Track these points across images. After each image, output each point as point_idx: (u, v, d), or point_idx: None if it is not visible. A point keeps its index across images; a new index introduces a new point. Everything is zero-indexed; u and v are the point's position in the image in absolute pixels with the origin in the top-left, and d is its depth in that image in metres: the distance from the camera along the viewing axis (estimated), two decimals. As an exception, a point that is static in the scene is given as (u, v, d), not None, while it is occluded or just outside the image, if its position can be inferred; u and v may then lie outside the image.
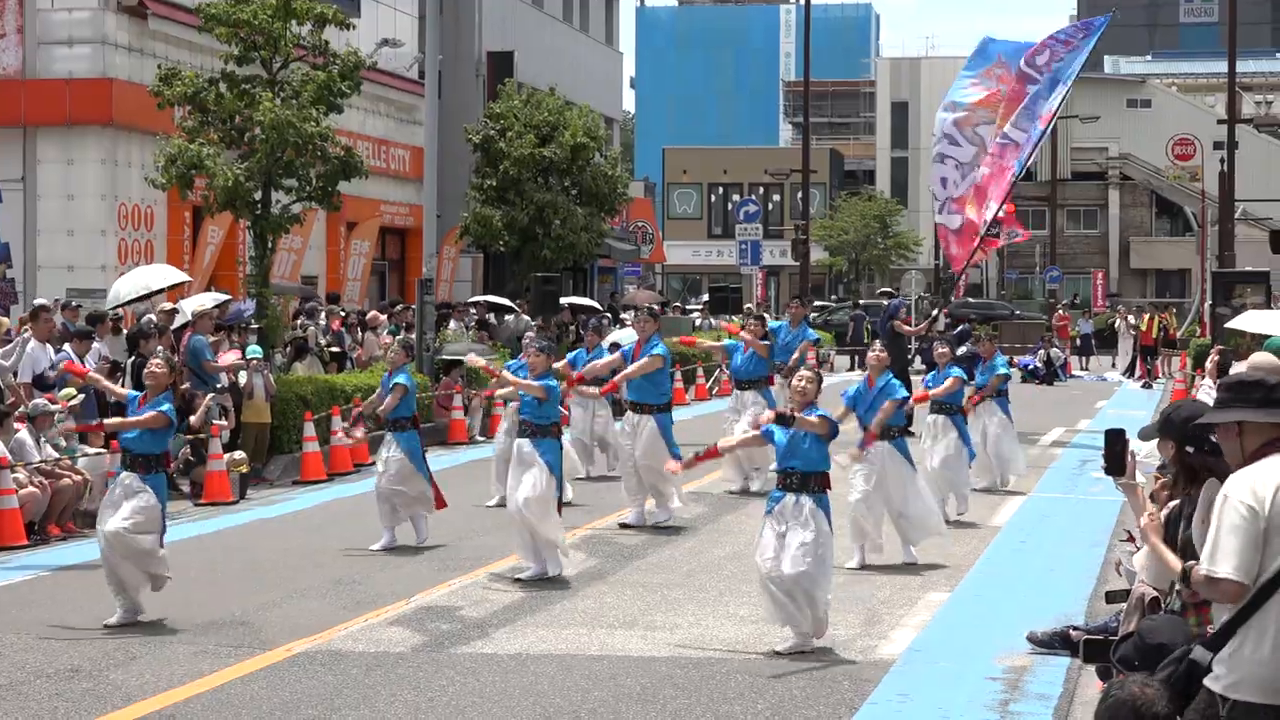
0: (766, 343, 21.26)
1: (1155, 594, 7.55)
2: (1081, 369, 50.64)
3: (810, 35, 52.89)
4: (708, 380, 37.52)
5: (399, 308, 32.39)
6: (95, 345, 20.52)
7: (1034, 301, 73.65)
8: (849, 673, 11.28)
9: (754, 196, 67.21)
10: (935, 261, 74.12)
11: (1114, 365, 51.34)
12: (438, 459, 24.33)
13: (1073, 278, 77.62)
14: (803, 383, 12.13)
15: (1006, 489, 20.86)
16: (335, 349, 27.75)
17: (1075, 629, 11.57)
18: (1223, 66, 47.33)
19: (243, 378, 22.22)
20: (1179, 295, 78.28)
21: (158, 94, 24.91)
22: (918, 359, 35.17)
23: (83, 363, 20.00)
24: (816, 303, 57.83)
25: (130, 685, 10.91)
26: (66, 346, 20.34)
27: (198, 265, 30.47)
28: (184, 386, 20.83)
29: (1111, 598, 9.66)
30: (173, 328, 22.16)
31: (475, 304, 35.41)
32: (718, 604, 13.62)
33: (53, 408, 18.59)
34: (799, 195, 61.30)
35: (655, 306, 22.01)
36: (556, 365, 17.79)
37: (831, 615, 12.73)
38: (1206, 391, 18.07)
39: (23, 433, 17.87)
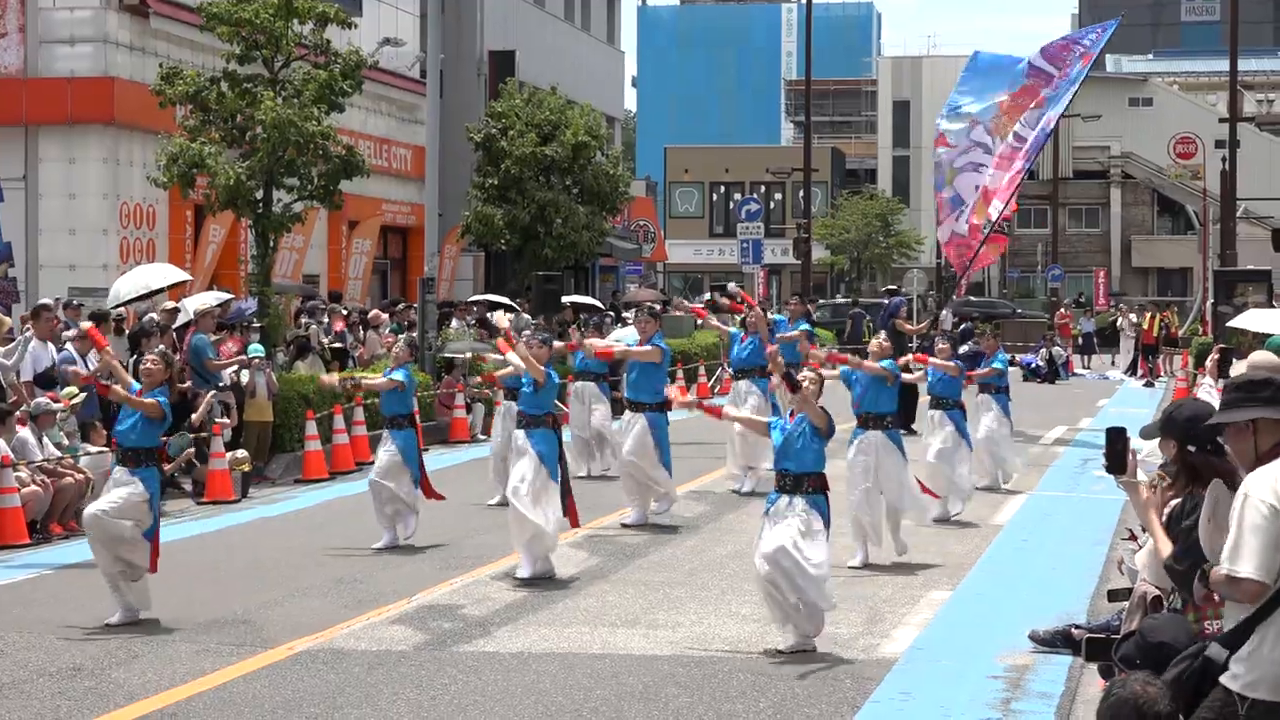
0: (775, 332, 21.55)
1: (1157, 592, 7.56)
2: (1083, 368, 50.64)
3: (812, 34, 52.88)
4: (709, 379, 37.50)
5: (401, 306, 32.40)
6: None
7: (1036, 300, 73.69)
8: (851, 671, 11.29)
9: (755, 195, 67.15)
10: (937, 260, 74.14)
11: (1113, 364, 51.37)
12: (439, 457, 24.38)
13: (1074, 276, 77.61)
14: (805, 384, 12.13)
15: (1006, 488, 20.85)
16: (337, 345, 27.76)
17: (1077, 627, 11.57)
18: (1224, 65, 47.32)
19: (244, 376, 22.22)
20: (1180, 294, 78.32)
21: (159, 93, 24.93)
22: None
23: (85, 362, 20.04)
24: (821, 301, 57.75)
25: (132, 684, 10.91)
26: (69, 345, 20.36)
27: (199, 264, 30.47)
28: (186, 385, 20.85)
29: (1113, 596, 9.66)
30: (174, 326, 22.17)
31: (475, 303, 35.40)
32: (720, 602, 13.62)
33: (55, 406, 18.61)
34: (800, 194, 61.29)
35: (656, 305, 22.03)
36: (558, 344, 17.84)
37: (833, 614, 12.73)
38: (1207, 390, 18.08)
39: (25, 431, 17.89)
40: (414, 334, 28.52)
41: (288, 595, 14.06)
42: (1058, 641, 11.69)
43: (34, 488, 17.39)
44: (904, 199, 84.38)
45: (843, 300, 63.38)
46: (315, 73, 25.12)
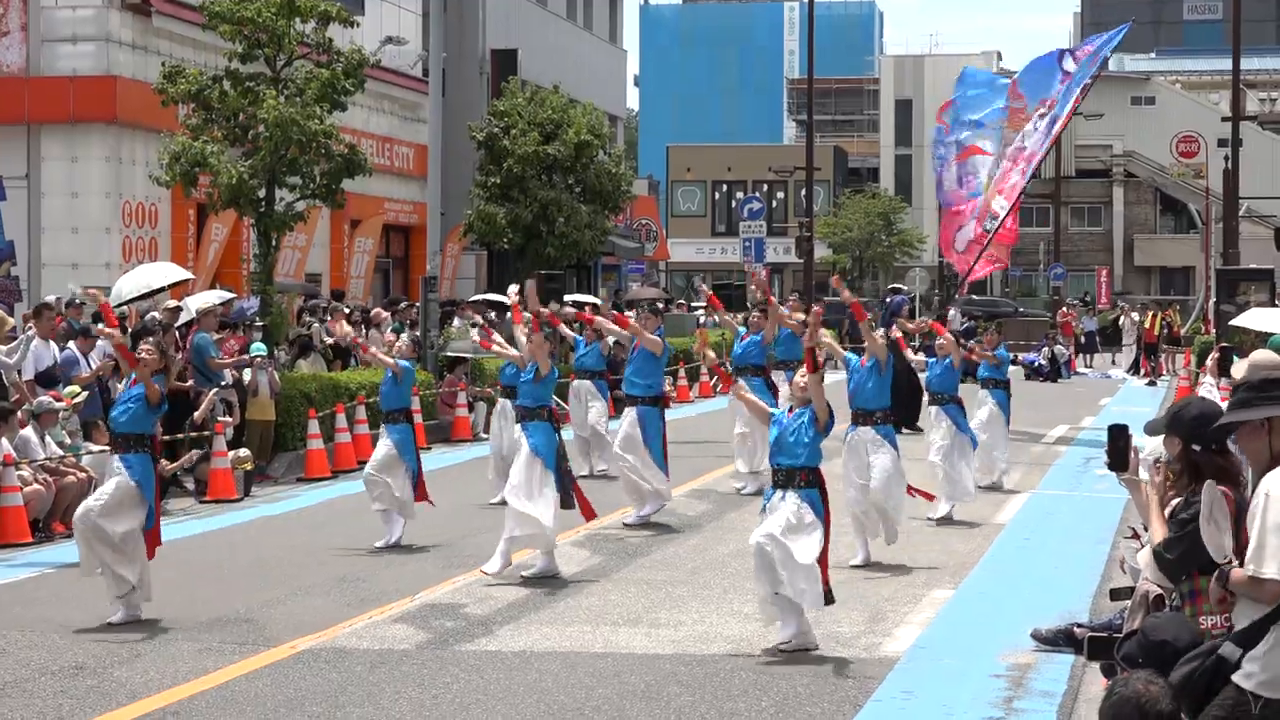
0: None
1: (1160, 591, 7.55)
2: (1085, 366, 50.63)
3: (814, 33, 52.83)
4: (710, 377, 37.50)
5: (403, 305, 32.40)
6: (100, 343, 20.53)
7: (1038, 299, 73.66)
8: (853, 670, 11.28)
9: (758, 194, 67.14)
10: (940, 259, 74.13)
11: (1114, 362, 51.36)
12: (441, 456, 24.40)
13: (1077, 275, 77.56)
14: (804, 379, 12.12)
15: (1009, 487, 20.85)
16: (340, 340, 27.76)
17: (1079, 626, 11.57)
18: (1227, 64, 47.34)
19: (246, 375, 22.23)
20: (1183, 292, 78.30)
21: (162, 91, 24.94)
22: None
23: (87, 361, 20.06)
24: (827, 299, 57.70)
25: (135, 682, 10.92)
26: (71, 344, 20.37)
27: (201, 263, 30.48)
28: (188, 384, 20.86)
29: (1116, 595, 9.65)
30: (177, 325, 22.17)
31: (474, 303, 35.39)
32: (722, 601, 13.62)
33: (57, 405, 18.62)
34: (803, 193, 61.24)
35: (658, 304, 22.07)
36: (569, 310, 17.78)
37: (835, 612, 12.73)
38: (1208, 388, 18.08)
39: (27, 430, 17.90)
40: (416, 332, 28.53)
41: (290, 594, 14.06)
42: (1060, 640, 11.69)
43: (36, 486, 17.40)
44: (906, 198, 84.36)
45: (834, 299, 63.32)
46: (318, 71, 25.13)
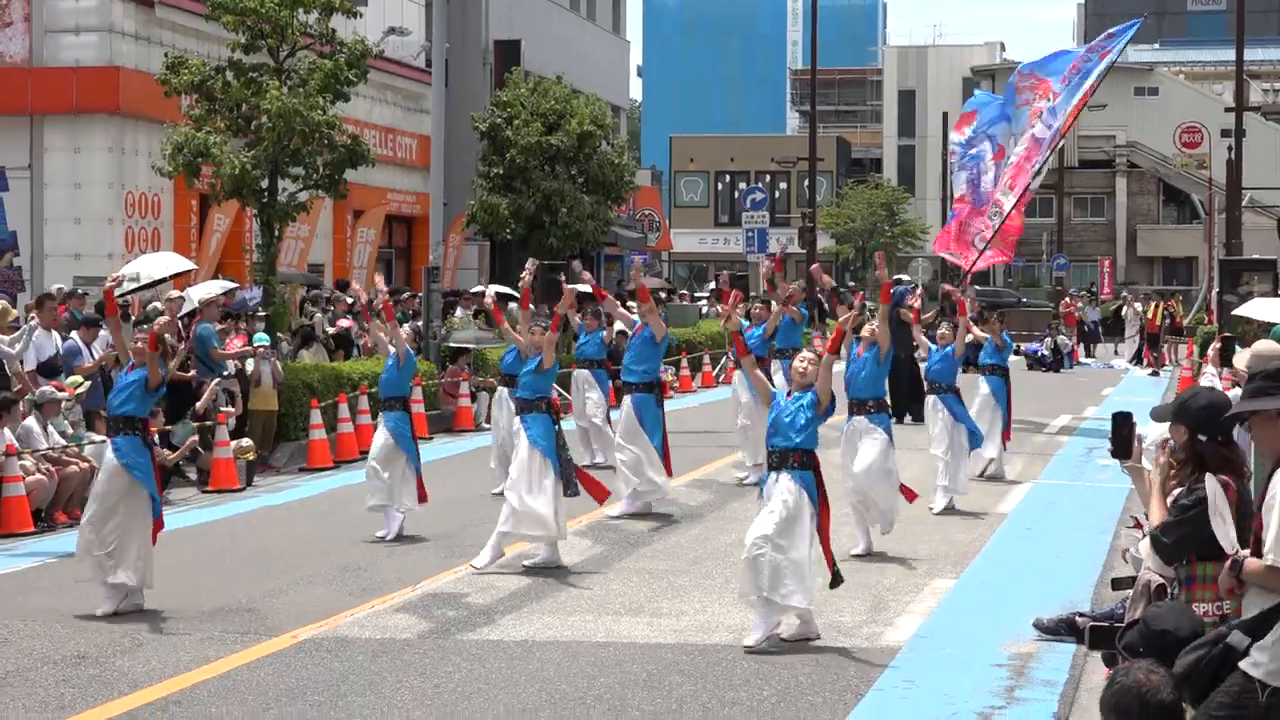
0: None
1: (1162, 581, 7.56)
2: (1088, 356, 50.63)
3: (817, 23, 52.82)
4: (714, 367, 37.53)
5: (405, 295, 32.40)
6: (103, 333, 20.55)
7: (1041, 289, 73.59)
8: (854, 659, 11.29)
9: (761, 184, 67.10)
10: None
11: (1116, 353, 51.34)
12: (444, 446, 24.42)
13: (1080, 265, 77.46)
14: (804, 364, 12.10)
15: (1011, 478, 20.85)
16: (345, 325, 27.77)
17: (1081, 616, 11.57)
18: (1230, 54, 47.30)
19: (249, 365, 22.24)
20: (1186, 283, 78.21)
21: (165, 82, 24.93)
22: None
23: (90, 351, 20.06)
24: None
25: (137, 671, 10.93)
26: (74, 334, 20.39)
27: (204, 253, 30.47)
28: (191, 374, 20.87)
29: (1117, 584, 9.65)
30: (180, 315, 22.17)
31: (477, 294, 35.38)
32: (723, 590, 13.62)
33: (60, 395, 18.63)
34: (806, 183, 61.23)
35: (660, 293, 22.06)
36: (582, 286, 17.69)
37: (837, 602, 12.76)
38: (1209, 378, 18.05)
39: (30, 420, 17.91)
40: (419, 323, 28.54)
41: (292, 583, 14.07)
42: (1062, 630, 11.68)
43: (39, 476, 17.42)
44: (909, 188, 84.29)
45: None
46: (320, 62, 25.12)
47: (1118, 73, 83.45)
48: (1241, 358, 9.74)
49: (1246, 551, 6.39)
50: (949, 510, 17.97)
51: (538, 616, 12.67)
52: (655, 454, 17.90)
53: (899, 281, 40.94)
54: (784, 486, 11.72)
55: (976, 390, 20.79)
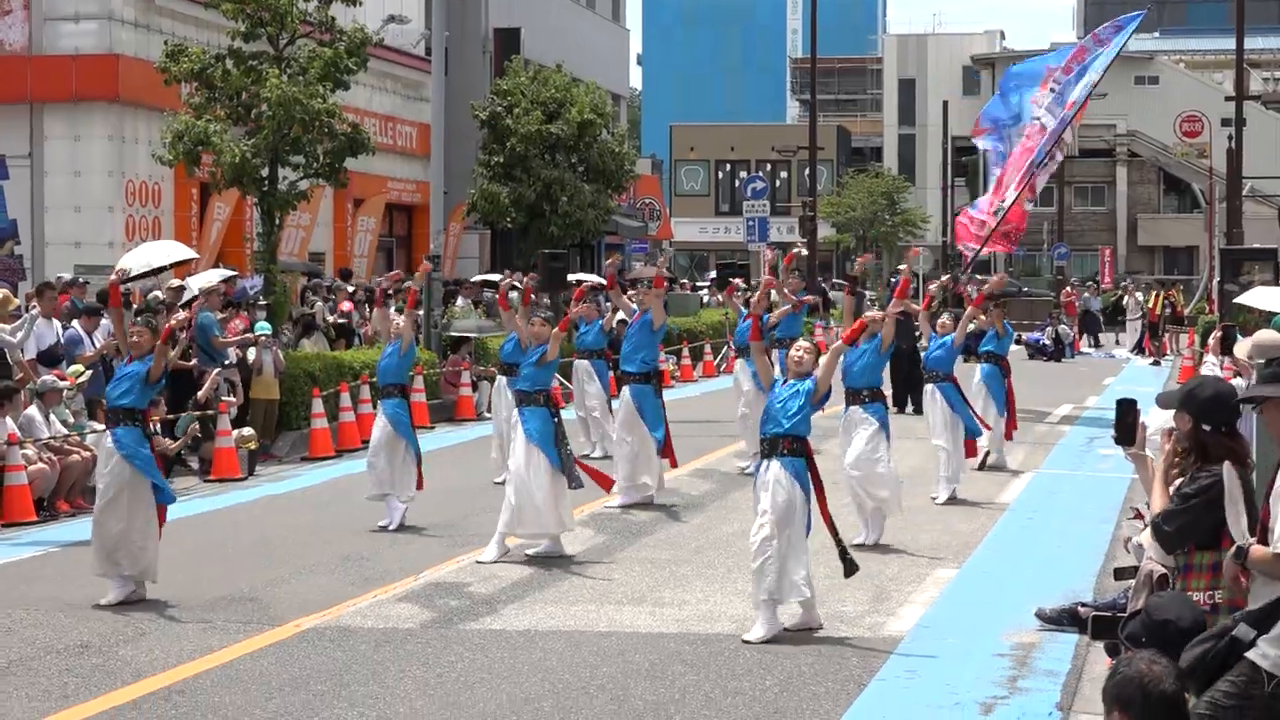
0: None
1: (1164, 571, 7.57)
2: (1090, 346, 50.64)
3: (817, 12, 52.74)
4: (715, 357, 37.54)
5: (406, 284, 32.36)
6: (104, 322, 20.55)
7: (1042, 279, 73.60)
8: (857, 649, 11.29)
9: (761, 173, 67.06)
10: (943, 239, 74.04)
11: (1117, 342, 51.37)
12: (445, 435, 24.44)
13: (1080, 255, 77.47)
14: (799, 353, 12.09)
15: (1013, 468, 20.86)
16: (342, 321, 27.77)
17: (1083, 606, 11.58)
18: (1230, 43, 47.26)
19: (251, 354, 22.24)
20: (1187, 272, 78.24)
21: (164, 70, 24.91)
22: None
23: (91, 340, 20.06)
24: (835, 280, 57.69)
25: (140, 661, 10.94)
26: (75, 323, 20.38)
27: (205, 242, 30.47)
28: (192, 363, 20.87)
29: (1120, 574, 9.67)
30: (180, 304, 22.16)
31: (484, 283, 35.37)
32: (726, 580, 13.63)
33: (61, 384, 18.63)
34: (806, 172, 61.20)
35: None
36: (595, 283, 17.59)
37: (839, 591, 12.76)
38: (1210, 367, 18.06)
39: (32, 409, 17.91)
40: (419, 312, 28.51)
41: (294, 573, 14.08)
42: (1064, 620, 11.69)
43: (40, 465, 17.42)
44: (909, 177, 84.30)
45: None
46: (320, 50, 25.09)
47: (1118, 61, 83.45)
48: (1242, 347, 9.75)
49: (1252, 539, 6.40)
50: (952, 500, 17.97)
51: (540, 606, 12.68)
52: (654, 448, 17.89)
53: (899, 272, 41.08)
54: (775, 476, 11.69)
55: (972, 377, 20.78)
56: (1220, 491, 6.89)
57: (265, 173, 24.63)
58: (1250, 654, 6.03)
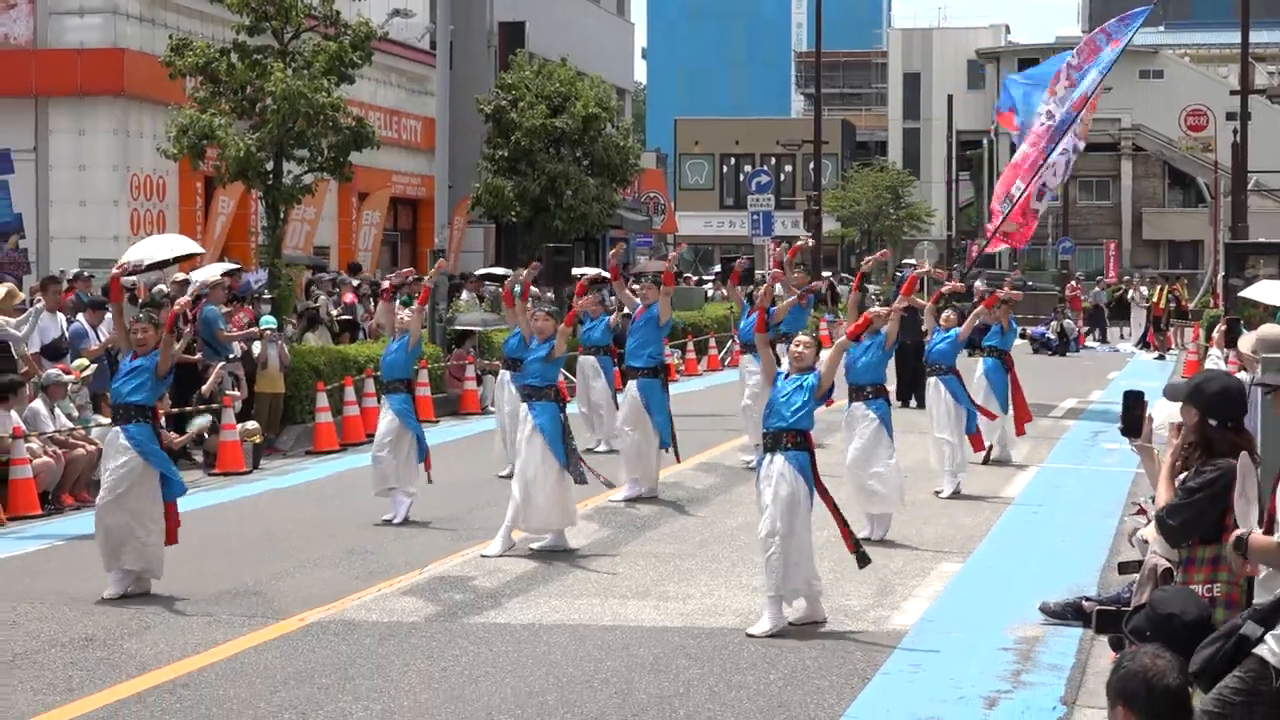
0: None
1: (1168, 565, 7.57)
2: (1095, 340, 50.63)
3: (822, 6, 52.75)
4: (720, 351, 37.53)
5: (412, 279, 32.37)
6: (109, 316, 20.54)
7: (1046, 273, 73.55)
8: (861, 643, 11.29)
9: (766, 167, 67.03)
10: (948, 233, 74.02)
11: (1122, 336, 51.34)
12: (450, 429, 24.44)
13: (1085, 249, 77.43)
14: (800, 347, 12.09)
15: (1018, 462, 20.86)
16: (347, 317, 27.78)
17: (1088, 600, 11.58)
18: (1235, 37, 47.18)
19: (256, 348, 22.25)
20: (1191, 266, 78.13)
21: (169, 64, 24.91)
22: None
23: (96, 334, 20.07)
24: (844, 275, 57.64)
25: (144, 654, 10.95)
26: (80, 317, 20.39)
27: (210, 236, 30.48)
28: (197, 357, 20.88)
29: (1124, 568, 9.68)
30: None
31: (484, 277, 35.37)
32: (730, 574, 13.63)
33: (66, 378, 18.64)
34: (811, 166, 61.25)
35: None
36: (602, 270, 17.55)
37: (844, 585, 12.77)
38: (1214, 360, 18.05)
39: (36, 403, 17.93)
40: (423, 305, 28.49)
41: (299, 566, 14.09)
42: (1068, 614, 11.69)
43: (45, 459, 17.44)
44: (914, 171, 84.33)
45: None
46: (325, 44, 25.10)
47: (1123, 56, 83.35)
48: (1246, 341, 9.72)
49: (1255, 529, 6.39)
50: (956, 494, 17.97)
51: (545, 600, 12.69)
52: (658, 442, 17.89)
53: (902, 267, 41.06)
54: (779, 470, 11.70)
55: (974, 371, 20.78)
56: (1224, 485, 6.89)
57: (270, 167, 24.64)
58: (1259, 649, 6.03)
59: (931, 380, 18.87)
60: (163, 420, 15.85)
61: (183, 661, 10.72)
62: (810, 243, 24.76)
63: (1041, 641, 11.35)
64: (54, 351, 19.47)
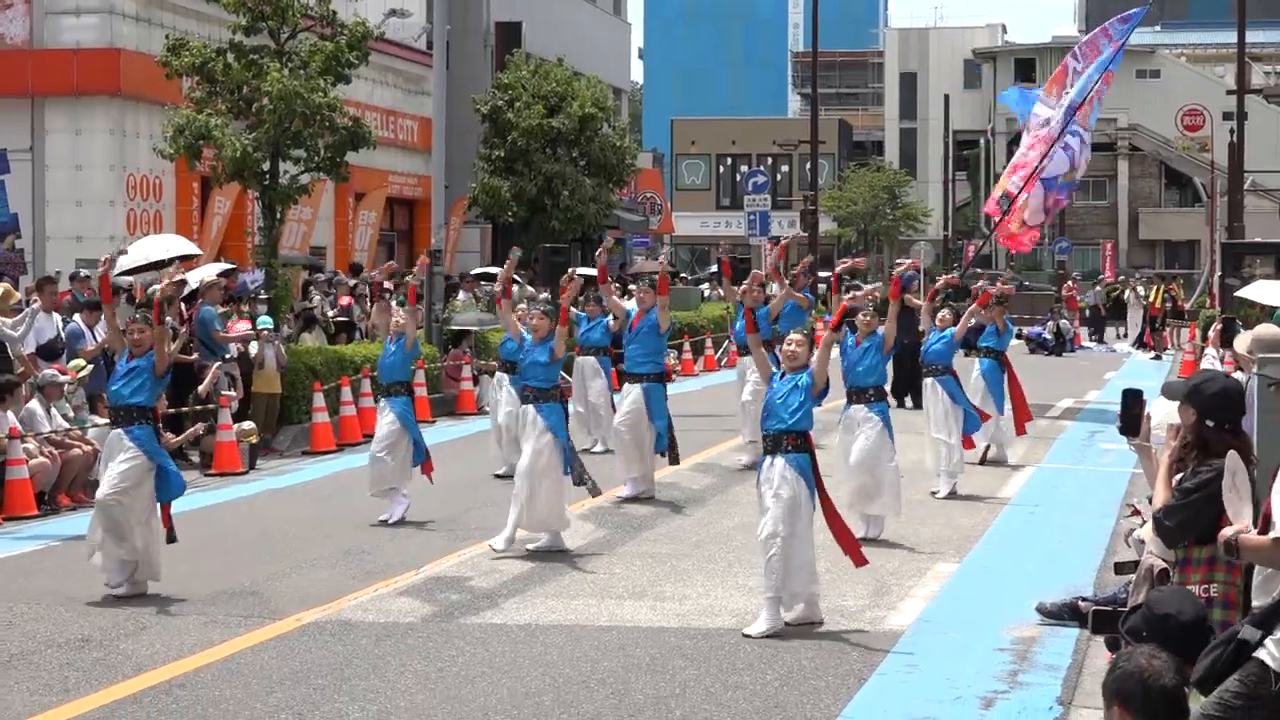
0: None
1: (1164, 565, 7.57)
2: (1091, 340, 50.63)
3: (818, 6, 52.75)
4: (716, 351, 37.53)
5: (406, 278, 32.36)
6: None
7: (1043, 273, 73.59)
8: (857, 643, 11.29)
9: (762, 167, 67.04)
10: (945, 233, 74.02)
11: (1119, 336, 51.37)
12: (446, 429, 24.43)
13: (1081, 249, 77.47)
14: (793, 346, 12.09)
15: (1014, 463, 20.86)
16: (343, 319, 27.77)
17: (1084, 600, 11.58)
18: (1232, 37, 47.21)
19: (253, 348, 22.24)
20: (1188, 266, 78.19)
21: (166, 64, 24.90)
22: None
23: (92, 334, 20.06)
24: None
25: (141, 655, 10.94)
26: (76, 317, 20.38)
27: (206, 236, 30.46)
28: (193, 357, 20.87)
29: (1120, 569, 9.67)
30: (181, 298, 22.16)
31: (481, 276, 35.34)
32: (727, 575, 13.63)
33: (62, 379, 18.63)
34: (807, 166, 61.19)
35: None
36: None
37: (840, 585, 12.77)
38: (1210, 360, 18.04)
39: (33, 403, 17.91)
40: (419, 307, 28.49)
41: (295, 567, 14.08)
42: (1065, 614, 11.69)
43: (42, 459, 17.42)
44: (911, 171, 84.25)
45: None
46: (321, 44, 25.09)
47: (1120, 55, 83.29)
48: (1242, 341, 9.73)
49: (1236, 528, 6.38)
50: (952, 495, 17.97)
51: (541, 600, 12.68)
52: (654, 443, 17.88)
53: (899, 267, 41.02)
54: (780, 473, 11.70)
55: (970, 372, 20.78)
56: (1220, 486, 6.89)
57: (266, 167, 24.63)
58: (1259, 653, 6.03)
59: (928, 381, 18.87)
60: (159, 421, 15.85)
61: (179, 662, 10.72)
62: (802, 234, 24.63)
63: (1038, 642, 11.35)
64: (50, 352, 19.45)
